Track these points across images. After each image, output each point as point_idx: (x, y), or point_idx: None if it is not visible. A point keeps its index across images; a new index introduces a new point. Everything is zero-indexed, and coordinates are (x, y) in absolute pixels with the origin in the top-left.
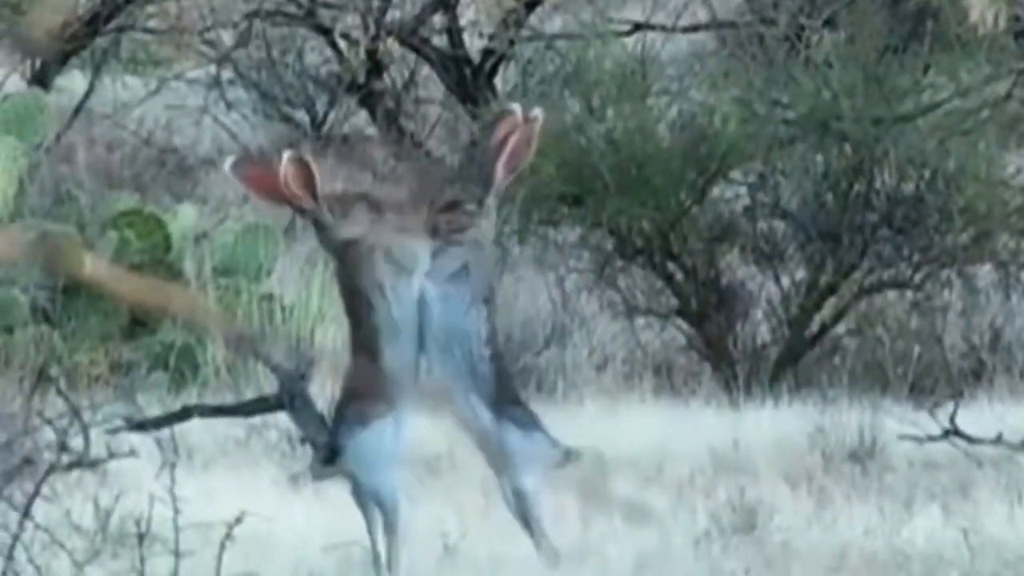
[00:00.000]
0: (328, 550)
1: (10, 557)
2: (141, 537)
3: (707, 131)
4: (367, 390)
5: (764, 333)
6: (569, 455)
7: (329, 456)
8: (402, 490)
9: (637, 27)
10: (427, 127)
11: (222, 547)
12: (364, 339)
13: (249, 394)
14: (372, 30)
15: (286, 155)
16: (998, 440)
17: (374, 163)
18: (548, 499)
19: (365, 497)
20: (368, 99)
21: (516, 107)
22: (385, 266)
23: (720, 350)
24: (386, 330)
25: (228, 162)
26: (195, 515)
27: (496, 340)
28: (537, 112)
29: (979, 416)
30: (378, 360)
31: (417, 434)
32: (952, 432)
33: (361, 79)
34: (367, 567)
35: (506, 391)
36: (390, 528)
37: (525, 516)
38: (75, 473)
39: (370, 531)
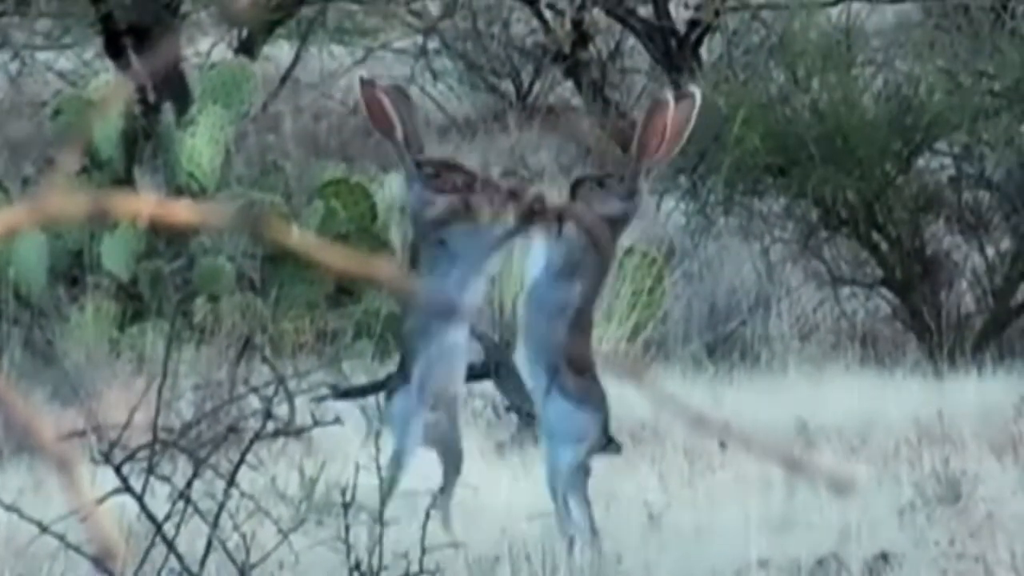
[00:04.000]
0: (533, 518)
1: (216, 524)
2: (346, 506)
3: (912, 102)
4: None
5: (969, 303)
6: None
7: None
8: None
9: None
10: (632, 97)
11: (427, 516)
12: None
13: None
14: (578, 0)
15: (360, 75)
16: None
17: (580, 134)
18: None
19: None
20: (574, 69)
21: (668, 95)
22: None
23: (925, 320)
24: None
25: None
26: (400, 484)
27: None
28: (693, 89)
29: None
30: None
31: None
32: None
33: (567, 49)
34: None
35: None
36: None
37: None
38: (280, 441)
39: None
